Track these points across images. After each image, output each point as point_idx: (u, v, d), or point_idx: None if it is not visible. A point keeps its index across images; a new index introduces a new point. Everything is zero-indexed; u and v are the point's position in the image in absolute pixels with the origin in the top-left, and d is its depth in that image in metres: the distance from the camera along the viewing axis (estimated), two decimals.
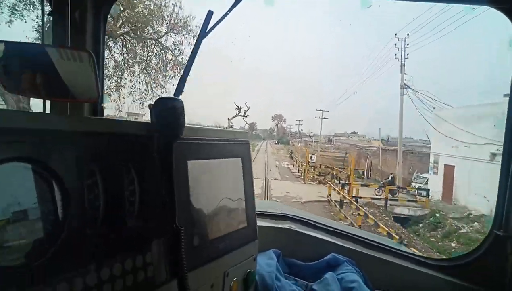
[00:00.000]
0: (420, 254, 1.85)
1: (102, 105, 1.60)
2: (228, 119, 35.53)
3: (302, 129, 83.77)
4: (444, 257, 1.82)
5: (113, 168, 0.77)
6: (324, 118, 57.08)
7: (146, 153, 0.86)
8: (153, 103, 0.88)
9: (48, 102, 1.39)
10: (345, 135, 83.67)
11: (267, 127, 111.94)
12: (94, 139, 0.75)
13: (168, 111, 0.86)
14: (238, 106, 36.94)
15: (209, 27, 1.32)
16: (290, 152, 50.04)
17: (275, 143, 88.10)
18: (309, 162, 31.82)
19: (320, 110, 57.23)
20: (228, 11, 1.41)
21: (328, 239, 1.87)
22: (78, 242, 0.68)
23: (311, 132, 79.72)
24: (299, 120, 77.19)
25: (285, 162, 43.59)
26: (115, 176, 0.78)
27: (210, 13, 1.31)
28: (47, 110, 1.41)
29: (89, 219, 0.71)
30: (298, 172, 33.52)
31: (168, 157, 0.87)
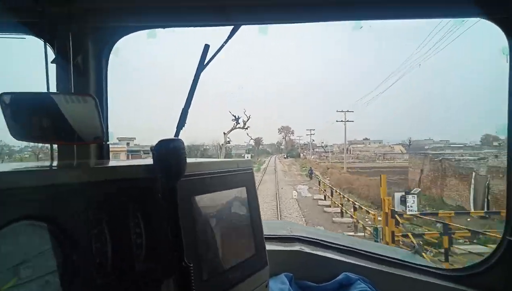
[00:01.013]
0: (434, 264, 1.83)
1: (107, 143, 1.65)
2: (224, 133, 31.18)
3: (313, 140, 74.24)
4: (459, 267, 1.79)
5: (118, 214, 0.80)
6: (349, 121, 44.24)
7: (150, 195, 0.88)
8: (153, 145, 0.90)
9: (55, 146, 1.44)
10: (359, 143, 74.27)
11: (274, 141, 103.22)
12: (98, 188, 0.77)
13: (170, 153, 0.87)
14: (235, 117, 32.31)
15: (207, 60, 1.38)
16: (309, 170, 38.47)
17: (284, 158, 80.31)
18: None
19: (342, 111, 44.06)
20: (224, 43, 1.47)
21: (340, 258, 1.86)
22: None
23: (323, 142, 73.77)
24: (311, 130, 67.71)
25: (302, 186, 27.86)
26: (121, 221, 0.80)
27: (206, 47, 1.36)
28: (55, 153, 1.46)
29: (98, 267, 0.73)
30: (342, 214, 18.16)
31: (173, 197, 0.88)
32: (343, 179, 31.71)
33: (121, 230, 0.79)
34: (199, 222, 0.99)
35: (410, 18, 1.53)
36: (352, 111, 44.30)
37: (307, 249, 1.90)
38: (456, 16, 1.54)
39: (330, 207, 20.44)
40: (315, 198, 23.82)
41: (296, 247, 1.91)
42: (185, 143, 0.92)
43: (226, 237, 1.11)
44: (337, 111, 43.85)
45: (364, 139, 77.92)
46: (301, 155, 75.47)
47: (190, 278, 0.87)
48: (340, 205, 19.08)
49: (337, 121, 43.82)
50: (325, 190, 24.67)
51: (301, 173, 43.16)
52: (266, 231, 1.35)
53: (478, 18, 1.52)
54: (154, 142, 0.89)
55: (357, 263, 1.81)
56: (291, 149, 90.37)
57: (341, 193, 21.23)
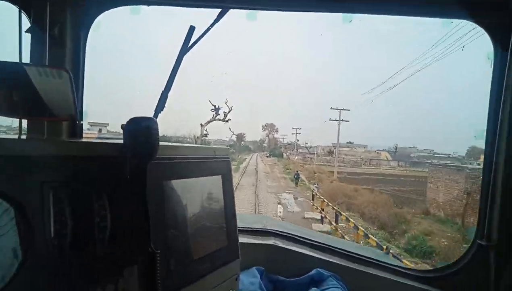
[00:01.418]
0: (405, 265, 1.86)
1: (81, 122, 1.57)
2: (201, 125, 27.80)
3: (298, 140, 70.40)
4: (429, 268, 1.83)
5: (81, 193, 0.75)
6: (344, 120, 39.33)
7: (117, 175, 0.83)
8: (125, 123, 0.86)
9: (25, 121, 1.37)
10: (344, 146, 68.80)
11: (257, 138, 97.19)
12: (62, 164, 0.73)
13: (141, 131, 0.84)
14: (215, 106, 28.56)
15: (191, 42, 1.33)
16: (295, 174, 32.32)
17: (267, 157, 75.54)
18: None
19: (337, 109, 39.03)
20: (210, 26, 1.43)
21: (313, 254, 1.86)
22: (43, 274, 0.66)
23: (306, 143, 69.51)
24: (297, 129, 62.85)
25: (287, 195, 24.06)
26: (84, 201, 0.76)
27: (192, 29, 1.32)
28: (24, 130, 1.39)
29: (56, 248, 0.69)
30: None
31: (141, 179, 0.85)
32: (337, 188, 26.69)
33: (83, 210, 0.75)
34: (169, 208, 0.96)
35: (398, 15, 1.54)
36: (349, 110, 40.38)
37: (280, 243, 1.89)
38: (444, 16, 1.54)
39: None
40: (306, 216, 18.56)
41: (270, 241, 1.90)
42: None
43: (197, 226, 1.08)
44: (331, 108, 39.48)
45: (347, 143, 74.46)
46: (284, 154, 71.69)
47: (156, 266, 0.84)
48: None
49: (330, 120, 39.23)
50: (322, 210, 18.25)
51: (285, 175, 38.55)
52: (240, 224, 1.33)
53: (466, 22, 1.54)
54: None
55: (330, 260, 1.82)
56: (274, 147, 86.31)
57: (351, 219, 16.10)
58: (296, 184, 30.83)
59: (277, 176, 38.81)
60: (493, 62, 1.50)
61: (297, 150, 69.87)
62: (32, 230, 0.64)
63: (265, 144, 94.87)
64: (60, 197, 0.71)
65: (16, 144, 0.69)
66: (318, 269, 1.74)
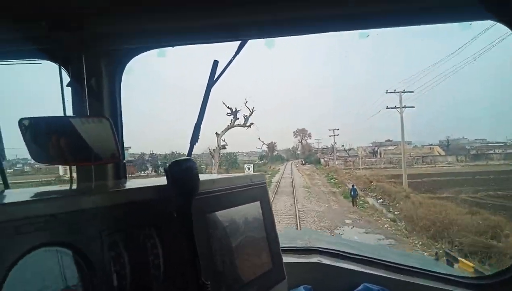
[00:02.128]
0: (456, 273, 1.78)
1: (124, 162, 1.67)
2: (217, 134, 23.09)
3: (335, 143, 57.62)
4: (481, 275, 1.73)
5: (134, 235, 0.81)
6: (406, 107, 28.34)
7: (165, 215, 0.90)
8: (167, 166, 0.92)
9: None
10: (388, 144, 59.69)
11: (289, 146, 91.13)
12: (115, 212, 0.79)
13: (183, 173, 0.90)
14: (231, 110, 23.76)
15: (216, 75, 1.40)
16: (351, 190, 22.01)
17: (302, 164, 68.05)
18: None
19: (396, 92, 28.53)
20: (232, 58, 1.49)
21: (359, 269, 1.83)
22: None
23: (343, 145, 60.48)
24: (334, 130, 50.37)
25: (350, 228, 15.69)
26: (138, 242, 0.81)
27: (215, 63, 1.39)
28: (74, 173, 1.49)
29: (117, 290, 0.74)
30: None
31: (187, 216, 0.90)
32: (434, 210, 15.76)
33: (138, 251, 0.81)
34: (214, 239, 1.00)
35: (419, 24, 1.51)
36: (412, 92, 28.71)
37: (325, 260, 1.88)
38: (466, 20, 1.50)
39: None
40: None
41: (314, 258, 1.89)
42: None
43: (242, 253, 1.11)
44: (387, 92, 29.02)
45: (386, 141, 64.74)
46: (322, 160, 62.39)
47: None
48: None
49: (387, 108, 29.11)
50: None
51: (332, 188, 28.49)
52: (284, 242, 1.34)
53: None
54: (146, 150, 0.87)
55: (377, 273, 1.78)
56: (309, 153, 78.88)
57: None
58: (354, 203, 21.10)
59: (322, 190, 28.14)
60: None
61: (334, 154, 59.59)
62: (95, 274, 0.70)
63: (298, 152, 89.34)
64: (116, 242, 0.77)
65: (75, 201, 0.75)
66: (366, 284, 1.71)
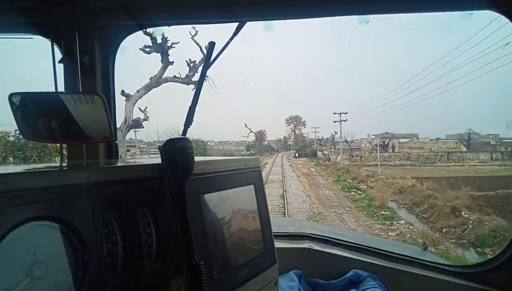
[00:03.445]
0: (444, 261, 1.81)
1: (116, 142, 1.65)
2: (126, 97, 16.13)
3: (336, 133, 46.22)
4: (469, 264, 1.77)
5: (128, 213, 0.80)
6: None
7: (159, 194, 0.89)
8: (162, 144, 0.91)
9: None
10: (402, 137, 49.75)
11: (280, 136, 77.48)
12: (107, 188, 0.77)
13: (177, 152, 0.88)
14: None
15: (212, 57, 1.37)
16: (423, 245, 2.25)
17: (295, 157, 55.26)
18: None
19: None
20: (229, 40, 1.46)
21: (349, 255, 1.85)
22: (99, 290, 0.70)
23: (340, 136, 45.25)
24: (341, 113, 38.64)
25: None
26: (131, 220, 0.80)
27: (212, 44, 1.36)
28: (64, 152, 1.47)
29: (109, 267, 0.73)
30: None
31: (181, 195, 0.89)
32: None
33: (131, 229, 0.80)
34: (208, 220, 0.99)
35: (417, 12, 1.50)
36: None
37: (316, 246, 1.89)
38: (465, 9, 1.50)
39: None
40: None
41: (305, 244, 1.91)
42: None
43: (235, 235, 1.11)
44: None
45: (384, 133, 54.12)
46: (319, 153, 50.08)
47: (201, 276, 0.88)
48: None
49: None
50: None
51: (358, 210, 16.12)
52: (275, 228, 1.35)
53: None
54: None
55: (366, 260, 1.80)
56: (302, 144, 64.79)
57: None
58: None
59: (337, 204, 17.25)
60: None
61: (334, 146, 48.39)
62: (87, 250, 0.69)
63: (290, 142, 75.36)
64: (109, 219, 0.76)
65: (67, 174, 0.74)
66: (355, 270, 1.73)
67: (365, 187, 22.54)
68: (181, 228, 0.89)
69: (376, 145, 42.07)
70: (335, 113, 39.06)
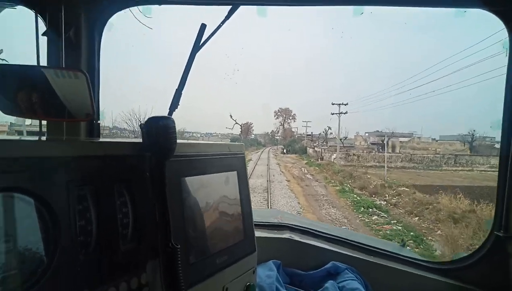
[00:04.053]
0: (422, 257, 1.85)
1: (98, 122, 1.61)
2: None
3: (329, 128, 45.39)
4: (446, 260, 1.82)
5: (104, 191, 0.78)
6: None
7: (138, 173, 0.87)
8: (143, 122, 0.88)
9: (44, 122, 1.40)
10: (401, 135, 45.51)
11: (268, 130, 73.26)
12: (84, 163, 0.75)
13: (159, 130, 0.86)
14: None
15: (203, 40, 1.34)
16: None
17: (283, 153, 51.22)
18: None
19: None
20: (221, 23, 1.43)
21: (329, 247, 1.87)
22: (70, 269, 0.68)
23: (331, 133, 45.70)
24: (340, 104, 34.66)
25: None
26: (107, 198, 0.78)
27: (203, 26, 1.33)
28: (44, 130, 1.43)
29: (81, 244, 0.71)
30: None
31: (161, 176, 0.87)
32: None
33: (107, 207, 0.77)
34: (187, 204, 0.98)
35: (410, 6, 1.51)
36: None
37: (296, 237, 1.90)
38: (457, 6, 1.51)
39: None
40: None
41: (286, 234, 1.92)
42: None
43: (215, 221, 1.10)
44: None
45: (375, 131, 51.33)
46: (310, 149, 45.90)
47: (177, 260, 0.86)
48: None
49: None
50: None
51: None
52: (257, 219, 1.34)
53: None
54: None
55: (345, 252, 1.83)
56: (292, 139, 60.01)
57: None
58: None
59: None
60: (508, 51, 1.47)
61: (326, 143, 44.73)
62: (59, 227, 0.67)
63: (278, 136, 70.12)
64: (84, 195, 0.73)
65: (42, 146, 0.71)
66: (334, 262, 1.75)
67: (383, 203, 15.93)
68: (159, 210, 0.87)
69: (373, 144, 40.01)
70: (333, 104, 34.64)
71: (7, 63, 1.05)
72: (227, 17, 1.42)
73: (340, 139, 39.32)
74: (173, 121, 0.88)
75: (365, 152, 37.58)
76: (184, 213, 0.96)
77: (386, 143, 36.94)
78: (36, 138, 1.12)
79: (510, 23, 1.45)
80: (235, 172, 1.23)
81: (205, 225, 1.05)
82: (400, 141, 43.56)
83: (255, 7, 1.53)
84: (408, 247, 2.21)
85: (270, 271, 1.64)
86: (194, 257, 0.97)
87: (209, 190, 1.10)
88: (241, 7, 1.43)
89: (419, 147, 38.22)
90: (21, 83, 1.07)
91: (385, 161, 28.31)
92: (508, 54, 1.48)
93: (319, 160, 36.51)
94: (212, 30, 1.38)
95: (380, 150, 38.13)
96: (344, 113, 34.43)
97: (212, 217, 1.08)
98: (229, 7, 1.43)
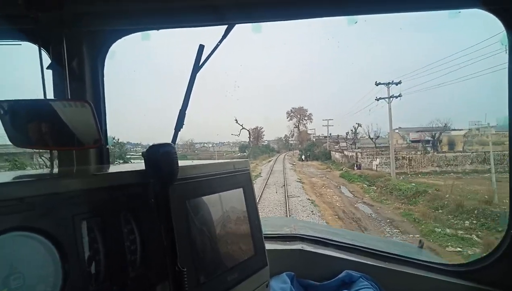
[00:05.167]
0: (437, 260, 1.83)
1: (107, 147, 1.65)
2: None
3: (359, 126, 37.35)
4: (462, 262, 1.79)
5: (111, 220, 0.80)
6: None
7: (143, 200, 0.89)
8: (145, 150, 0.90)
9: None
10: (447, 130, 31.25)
11: (281, 135, 63.81)
12: (90, 196, 0.77)
13: (161, 158, 0.88)
14: None
15: (202, 60, 1.38)
16: None
17: (302, 160, 41.77)
18: None
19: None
20: (218, 42, 1.47)
21: (341, 255, 1.86)
22: None
23: (365, 133, 36.93)
24: (391, 84, 23.88)
25: None
26: (114, 227, 0.80)
27: (201, 47, 1.36)
28: (55, 156, 1.47)
29: (91, 275, 0.73)
30: None
31: (165, 201, 0.89)
32: None
33: (114, 236, 0.79)
34: (194, 226, 0.99)
35: (407, 11, 1.50)
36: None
37: (308, 247, 1.90)
38: (454, 8, 1.51)
39: None
40: None
41: (298, 245, 1.91)
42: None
43: (224, 239, 1.11)
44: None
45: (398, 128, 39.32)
46: (336, 154, 36.45)
47: (183, 283, 0.87)
48: None
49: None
50: None
51: None
52: (270, 229, 1.34)
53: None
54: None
55: (359, 260, 1.81)
56: (309, 143, 49.73)
57: None
58: None
59: None
60: (507, 47, 1.48)
61: (354, 144, 37.07)
62: (67, 260, 0.69)
63: (292, 140, 60.42)
64: (91, 227, 0.76)
65: (47, 183, 0.74)
66: (348, 270, 1.74)
67: None
68: (165, 234, 0.89)
69: (414, 141, 31.72)
70: (378, 84, 24.43)
71: (16, 99, 1.09)
72: (224, 36, 1.46)
73: (371, 139, 32.98)
74: (174, 148, 0.91)
75: (414, 152, 28.39)
76: (191, 234, 0.97)
77: (438, 140, 29.62)
78: (45, 171, 1.15)
79: (507, 20, 1.45)
80: (241, 189, 1.24)
81: (213, 244, 1.06)
82: (464, 136, 31.39)
83: (249, 24, 1.57)
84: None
85: (284, 284, 1.64)
86: (204, 277, 0.98)
87: (216, 209, 1.11)
88: (237, 26, 1.47)
89: (491, 141, 22.40)
90: (30, 116, 1.11)
91: (492, 164, 17.87)
92: (508, 52, 1.48)
93: (355, 168, 27.23)
94: (211, 50, 1.42)
95: (432, 150, 29.48)
96: (397, 97, 23.96)
97: (220, 235, 1.09)
98: (225, 26, 1.47)
